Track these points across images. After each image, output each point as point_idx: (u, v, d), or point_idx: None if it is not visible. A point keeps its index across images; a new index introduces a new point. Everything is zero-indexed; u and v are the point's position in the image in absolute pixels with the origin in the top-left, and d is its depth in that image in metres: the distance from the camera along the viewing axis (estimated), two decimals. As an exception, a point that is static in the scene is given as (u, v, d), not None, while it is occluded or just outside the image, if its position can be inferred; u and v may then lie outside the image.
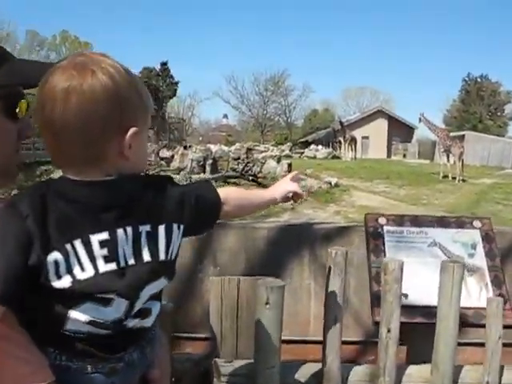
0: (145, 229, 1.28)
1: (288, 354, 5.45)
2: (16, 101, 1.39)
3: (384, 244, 2.60)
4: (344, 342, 5.18)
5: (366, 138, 49.14)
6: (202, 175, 17.86)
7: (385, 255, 2.54)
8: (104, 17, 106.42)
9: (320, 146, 38.14)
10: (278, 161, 20.29)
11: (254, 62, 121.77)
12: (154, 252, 1.29)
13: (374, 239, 2.62)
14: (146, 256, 1.28)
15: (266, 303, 1.77)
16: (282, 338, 5.78)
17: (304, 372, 2.07)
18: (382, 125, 52.06)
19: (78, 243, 1.19)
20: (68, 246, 1.18)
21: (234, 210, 1.60)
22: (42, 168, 16.99)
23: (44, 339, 1.23)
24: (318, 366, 2.06)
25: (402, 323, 2.18)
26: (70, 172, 1.24)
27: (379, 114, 53.22)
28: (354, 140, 33.45)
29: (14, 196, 1.21)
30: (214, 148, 21.92)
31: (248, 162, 19.12)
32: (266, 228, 5.63)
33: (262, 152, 21.80)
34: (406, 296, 2.38)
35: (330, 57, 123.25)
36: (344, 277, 1.96)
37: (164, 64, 50.43)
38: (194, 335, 5.01)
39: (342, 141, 36.18)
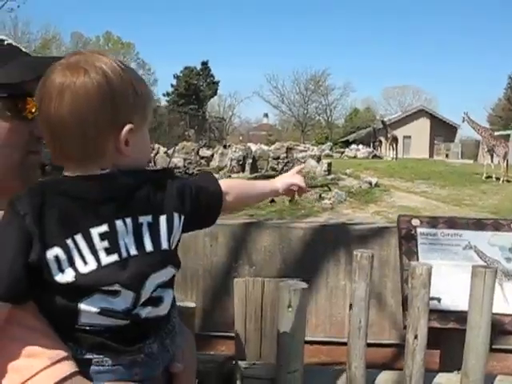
0: (146, 219, 1.29)
1: (324, 356, 5.41)
2: (20, 100, 1.40)
3: (417, 246, 2.52)
4: (380, 345, 5.11)
5: (408, 137, 48.49)
6: (241, 174, 17.88)
7: (418, 258, 2.47)
8: (146, 17, 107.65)
9: (361, 146, 37.77)
10: (318, 160, 20.15)
11: (294, 61, 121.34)
12: (156, 241, 1.30)
13: (407, 241, 2.54)
14: (148, 246, 1.29)
15: (289, 306, 1.73)
16: (318, 339, 5.71)
17: (327, 377, 2.02)
18: (424, 124, 51.30)
19: (79, 238, 1.21)
20: (69, 241, 1.20)
21: (236, 201, 1.58)
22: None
23: (63, 335, 1.25)
24: (343, 371, 2.00)
25: (434, 328, 2.12)
26: (69, 168, 1.27)
27: (421, 113, 52.46)
28: (395, 139, 32.98)
29: (14, 195, 1.23)
30: (253, 147, 21.83)
31: (288, 162, 19.06)
32: (301, 228, 5.60)
33: (301, 151, 21.63)
34: (439, 300, 2.31)
35: (371, 56, 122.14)
36: (369, 280, 1.90)
37: (204, 63, 50.77)
38: (228, 334, 5.01)
39: (383, 140, 35.80)
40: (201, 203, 1.42)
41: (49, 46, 48.44)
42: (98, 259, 1.22)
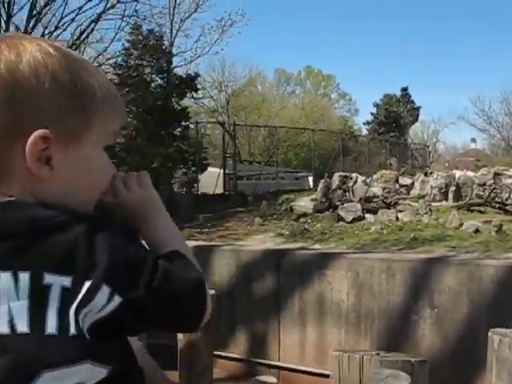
0: (59, 281, 0.83)
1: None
2: None
3: None
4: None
5: None
6: (444, 203, 17.07)
7: None
8: (345, 48, 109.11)
9: None
10: (531, 186, 18.58)
11: (499, 79, 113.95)
12: (65, 320, 0.83)
13: None
14: (52, 324, 0.82)
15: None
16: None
17: None
18: None
19: None
20: None
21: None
22: (284, 196, 17.81)
23: None
24: None
25: None
26: None
27: None
28: None
29: None
30: (457, 174, 20.79)
31: (494, 188, 17.84)
32: (493, 266, 4.91)
33: (511, 177, 20.10)
34: None
35: None
36: None
37: (404, 90, 50.09)
38: None
39: None
40: (165, 293, 0.91)
41: (254, 83, 51.06)
42: None
